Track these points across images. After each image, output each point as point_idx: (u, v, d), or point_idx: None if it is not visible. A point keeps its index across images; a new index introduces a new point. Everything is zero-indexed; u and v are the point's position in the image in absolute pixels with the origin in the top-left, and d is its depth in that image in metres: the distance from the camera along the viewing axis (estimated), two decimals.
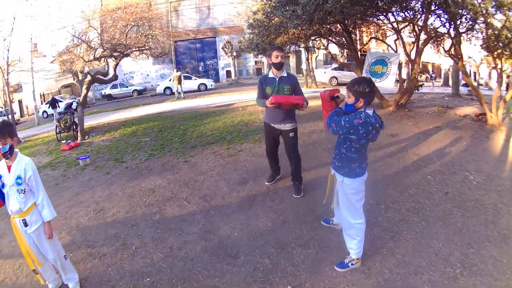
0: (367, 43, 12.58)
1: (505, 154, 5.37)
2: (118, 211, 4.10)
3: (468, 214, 3.50)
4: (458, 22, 6.27)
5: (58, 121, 9.36)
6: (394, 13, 7.78)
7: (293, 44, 11.69)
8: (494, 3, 4.90)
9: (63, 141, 8.61)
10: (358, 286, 2.54)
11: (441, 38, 7.53)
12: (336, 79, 20.10)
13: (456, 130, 6.64)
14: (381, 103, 8.69)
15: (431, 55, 11.62)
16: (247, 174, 4.88)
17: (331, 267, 2.74)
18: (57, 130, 9.26)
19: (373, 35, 10.83)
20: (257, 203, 3.97)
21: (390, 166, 4.92)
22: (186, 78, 22.09)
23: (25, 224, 2.48)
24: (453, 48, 6.95)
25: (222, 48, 27.64)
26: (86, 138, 8.63)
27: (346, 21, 7.84)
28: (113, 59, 10.03)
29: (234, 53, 27.00)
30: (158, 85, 23.44)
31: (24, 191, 2.46)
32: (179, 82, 17.24)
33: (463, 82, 14.17)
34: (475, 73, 25.01)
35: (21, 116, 28.30)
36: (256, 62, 32.51)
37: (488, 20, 5.33)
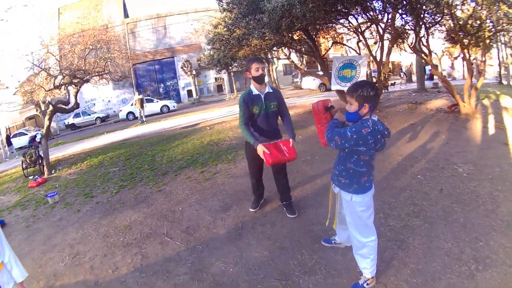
0: (329, 49, 12.91)
1: (487, 141, 5.55)
2: (95, 255, 3.73)
3: (468, 207, 3.50)
4: (425, 16, 6.53)
5: (24, 155, 9.05)
6: (356, 15, 8.00)
7: (256, 56, 11.76)
8: None
9: (30, 177, 8.32)
10: None
11: (406, 35, 7.82)
12: (325, 85, 20.63)
13: (432, 124, 6.84)
14: None
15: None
16: (228, 199, 4.64)
17: None
18: (23, 166, 8.89)
19: (334, 40, 11.11)
20: (247, 231, 3.72)
21: (377, 171, 4.83)
22: (148, 101, 22.45)
23: None
24: (417, 44, 7.20)
25: (181, 67, 27.95)
26: (53, 172, 8.33)
27: (309, 28, 7.96)
28: (73, 86, 9.89)
29: (194, 72, 27.33)
30: (120, 110, 23.59)
31: None
32: (141, 106, 17.31)
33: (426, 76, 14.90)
34: (437, 65, 26.51)
35: None
36: (216, 79, 33.20)
37: (453, 12, 5.57)
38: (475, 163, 4.63)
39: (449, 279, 2.52)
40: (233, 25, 7.22)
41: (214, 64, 11.81)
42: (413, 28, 7.19)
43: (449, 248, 2.87)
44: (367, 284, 2.50)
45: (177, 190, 5.31)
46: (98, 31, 14.17)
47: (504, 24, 5.80)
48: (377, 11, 7.71)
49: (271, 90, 3.52)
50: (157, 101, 23.99)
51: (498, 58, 19.84)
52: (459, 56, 24.77)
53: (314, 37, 8.85)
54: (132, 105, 21.34)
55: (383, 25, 7.82)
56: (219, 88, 33.79)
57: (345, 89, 8.11)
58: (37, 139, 9.75)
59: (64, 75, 9.60)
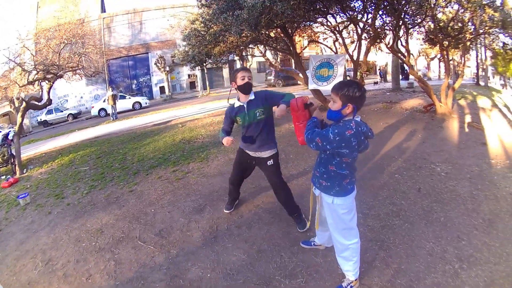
0: (305, 47, 12.97)
1: (464, 141, 5.68)
2: (67, 261, 3.51)
3: (447, 207, 3.54)
4: (406, 17, 6.62)
5: None
6: (334, 15, 8.03)
7: (231, 53, 11.66)
8: None
9: (2, 177, 7.93)
10: None
11: (384, 35, 7.92)
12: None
13: (408, 124, 6.95)
14: (324, 106, 8.86)
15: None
16: (202, 199, 4.49)
17: None
18: None
19: (311, 39, 11.16)
20: (222, 233, 3.57)
21: None
22: (120, 97, 22.38)
23: None
24: (395, 44, 7.30)
25: (155, 63, 27.70)
26: (24, 171, 8.00)
27: (287, 26, 7.91)
28: (47, 82, 9.66)
29: (167, 68, 27.07)
30: (93, 107, 23.13)
31: None
32: (114, 102, 17.12)
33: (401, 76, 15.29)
34: (413, 66, 27.36)
35: None
36: (189, 75, 33.10)
37: (434, 13, 5.66)
38: (453, 163, 4.72)
39: (434, 278, 2.50)
40: (211, 21, 7.08)
41: (188, 61, 11.53)
42: (392, 28, 7.28)
43: (431, 248, 2.87)
44: (351, 287, 2.42)
45: (149, 190, 5.12)
46: (74, 25, 13.92)
47: (486, 27, 5.96)
48: (357, 11, 7.77)
49: (253, 97, 3.23)
50: (129, 98, 23.71)
51: (477, 60, 20.70)
52: (435, 57, 25.67)
53: (291, 35, 8.83)
54: (104, 101, 21.07)
55: (362, 25, 7.89)
56: (192, 85, 33.73)
57: (322, 88, 8.13)
58: (10, 137, 9.33)
59: (38, 70, 9.38)
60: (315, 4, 6.82)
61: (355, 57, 8.57)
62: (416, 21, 6.74)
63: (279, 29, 8.41)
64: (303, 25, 8.92)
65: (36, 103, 9.47)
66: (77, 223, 4.40)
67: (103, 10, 33.56)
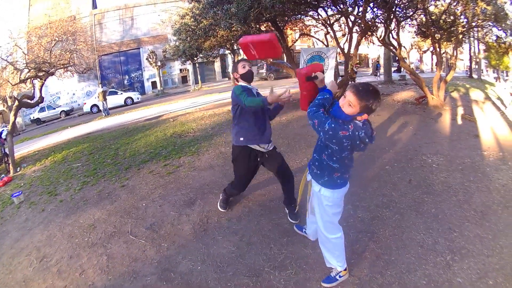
0: (296, 40, 12.92)
1: (456, 133, 5.69)
2: (61, 257, 3.51)
3: (439, 198, 3.53)
4: (397, 10, 6.61)
5: None
6: (325, 8, 8.00)
7: (221, 47, 11.61)
8: None
9: None
10: None
11: (376, 28, 7.90)
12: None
13: (399, 116, 6.95)
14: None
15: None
16: (192, 193, 4.46)
17: (318, 286, 2.47)
18: None
19: (302, 32, 11.13)
20: (212, 226, 3.55)
21: None
22: (112, 93, 22.32)
23: None
24: (386, 37, 7.29)
25: (147, 58, 27.57)
26: (18, 170, 8.01)
27: (277, 19, 7.87)
28: (39, 79, 9.63)
29: (159, 63, 26.98)
30: (85, 103, 23.09)
31: None
32: (104, 98, 17.09)
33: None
34: (405, 59, 27.45)
35: None
36: (181, 70, 33.11)
37: (426, 6, 5.65)
38: (445, 154, 4.72)
39: (425, 270, 2.49)
40: (201, 15, 7.07)
41: (179, 55, 11.49)
42: (383, 21, 7.27)
43: (422, 239, 2.86)
44: (340, 277, 2.42)
45: (140, 185, 5.09)
46: (65, 22, 13.83)
47: (479, 21, 5.96)
48: (348, 4, 7.75)
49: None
50: (121, 93, 23.56)
51: (470, 53, 20.79)
52: (428, 50, 25.77)
53: (282, 28, 8.80)
54: (95, 97, 20.93)
55: (352, 18, 7.87)
56: (184, 80, 33.63)
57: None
58: (3, 135, 9.29)
59: (29, 68, 9.36)
60: None
61: (346, 50, 8.56)
62: (407, 14, 6.73)
63: (269, 23, 8.38)
64: (293, 18, 8.88)
65: (29, 101, 9.47)
66: (70, 219, 4.39)
67: (94, 6, 33.24)
